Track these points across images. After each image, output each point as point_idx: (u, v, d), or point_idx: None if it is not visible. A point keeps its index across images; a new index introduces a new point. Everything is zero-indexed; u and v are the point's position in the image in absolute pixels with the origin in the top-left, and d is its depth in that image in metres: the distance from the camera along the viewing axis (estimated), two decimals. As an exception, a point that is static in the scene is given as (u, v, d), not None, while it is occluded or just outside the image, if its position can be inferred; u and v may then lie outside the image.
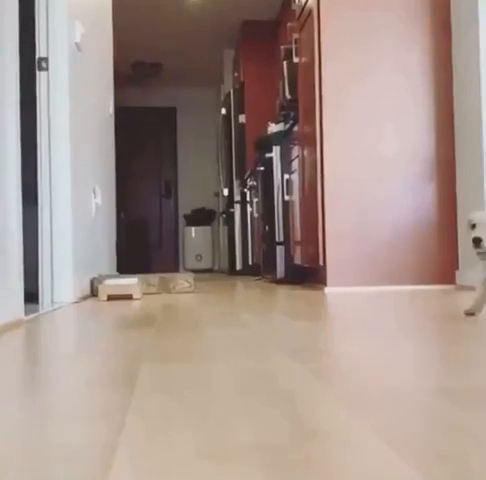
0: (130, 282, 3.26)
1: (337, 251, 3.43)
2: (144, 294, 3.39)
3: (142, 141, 8.36)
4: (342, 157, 3.47)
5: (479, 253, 1.67)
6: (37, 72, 3.03)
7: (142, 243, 8.40)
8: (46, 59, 3.02)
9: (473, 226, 1.60)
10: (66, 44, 3.05)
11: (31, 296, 2.92)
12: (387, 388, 0.92)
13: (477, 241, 1.58)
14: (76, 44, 3.28)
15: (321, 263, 3.49)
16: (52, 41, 3.02)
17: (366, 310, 2.37)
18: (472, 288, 3.25)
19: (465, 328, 1.66)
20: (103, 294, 3.15)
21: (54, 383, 1.03)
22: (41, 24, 3.02)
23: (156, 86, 8.40)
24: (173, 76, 8.11)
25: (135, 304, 2.87)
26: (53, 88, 3.02)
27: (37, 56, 3.03)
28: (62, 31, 3.04)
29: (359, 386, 0.94)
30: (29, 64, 2.99)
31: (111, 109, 4.89)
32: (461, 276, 3.43)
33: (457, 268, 3.48)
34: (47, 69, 3.02)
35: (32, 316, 2.28)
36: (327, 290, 3.40)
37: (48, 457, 0.63)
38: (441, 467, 0.56)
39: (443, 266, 3.49)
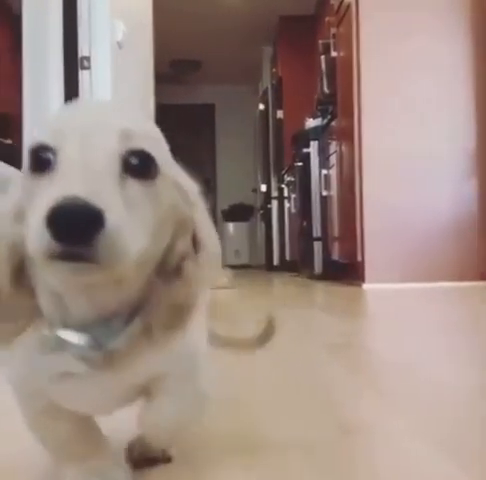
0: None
1: (376, 247, 3.41)
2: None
3: (182, 138, 8.42)
4: (381, 152, 3.44)
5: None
6: (80, 71, 3.09)
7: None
8: (88, 58, 3.08)
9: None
10: (108, 43, 3.11)
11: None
12: (424, 385, 0.92)
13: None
14: (118, 43, 3.34)
15: (359, 259, 3.47)
16: (94, 40, 3.08)
17: (405, 307, 2.35)
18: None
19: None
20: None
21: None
22: (83, 24, 3.08)
23: (195, 83, 8.45)
24: (212, 73, 8.14)
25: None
26: (95, 87, 3.08)
27: (79, 55, 3.09)
28: (104, 30, 3.10)
29: (396, 382, 0.94)
30: (73, 63, 3.06)
31: (151, 107, 4.95)
32: (503, 273, 3.37)
33: (499, 265, 3.42)
34: (89, 68, 3.08)
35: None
36: (365, 286, 3.38)
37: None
38: (476, 464, 0.57)
39: (485, 262, 3.43)
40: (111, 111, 0.44)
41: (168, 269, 0.44)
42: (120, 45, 3.41)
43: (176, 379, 0.51)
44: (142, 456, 0.58)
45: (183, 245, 0.44)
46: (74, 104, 0.44)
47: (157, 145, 0.43)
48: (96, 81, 3.09)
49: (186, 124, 8.58)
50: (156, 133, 0.45)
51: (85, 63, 3.09)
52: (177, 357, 0.50)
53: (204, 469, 0.56)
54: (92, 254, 0.36)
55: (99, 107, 0.45)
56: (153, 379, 0.50)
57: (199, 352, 0.53)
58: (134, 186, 0.39)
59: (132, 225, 0.38)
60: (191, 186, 0.46)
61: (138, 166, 0.40)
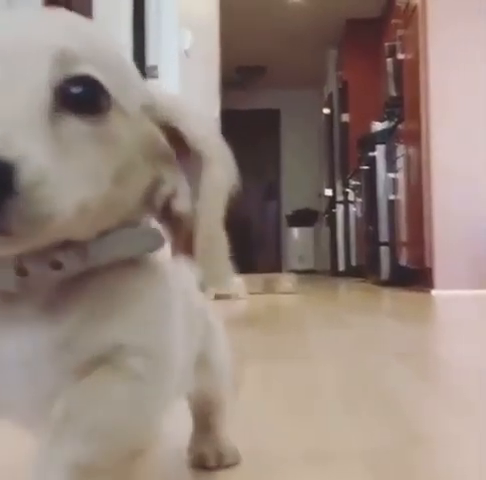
0: (235, 282, 3.33)
1: (445, 252, 3.32)
2: (248, 294, 3.45)
3: (247, 143, 8.48)
4: (450, 155, 3.35)
5: None
6: (148, 80, 3.17)
7: (245, 244, 8.52)
8: (156, 67, 3.15)
9: None
10: (176, 52, 3.18)
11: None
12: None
13: None
14: (185, 51, 3.40)
15: (428, 265, 3.39)
16: (162, 50, 3.15)
17: (475, 313, 2.29)
18: None
19: None
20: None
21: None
22: (151, 34, 3.16)
23: (260, 89, 8.49)
24: (276, 78, 8.17)
25: (239, 303, 2.93)
26: (163, 95, 3.15)
27: (148, 64, 3.17)
28: (172, 40, 3.17)
29: (467, 390, 0.92)
30: (141, 72, 3.14)
31: (217, 113, 5.01)
32: None
33: None
34: (157, 77, 3.15)
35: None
36: (434, 293, 3.30)
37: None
38: None
39: None
40: (49, 25, 0.32)
41: (155, 210, 0.36)
42: (187, 54, 3.48)
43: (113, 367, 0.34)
44: (218, 463, 0.55)
45: (169, 180, 0.36)
46: (2, 14, 0.33)
47: (112, 69, 0.33)
48: (164, 90, 3.15)
49: (251, 129, 8.63)
50: (113, 54, 0.34)
51: (153, 72, 3.17)
52: (143, 328, 0.35)
53: (268, 477, 0.57)
54: (1, 224, 0.27)
55: (33, 19, 0.33)
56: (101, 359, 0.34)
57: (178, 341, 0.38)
58: (73, 124, 0.30)
59: (66, 174, 0.29)
60: (171, 101, 0.38)
61: (80, 97, 0.30)
